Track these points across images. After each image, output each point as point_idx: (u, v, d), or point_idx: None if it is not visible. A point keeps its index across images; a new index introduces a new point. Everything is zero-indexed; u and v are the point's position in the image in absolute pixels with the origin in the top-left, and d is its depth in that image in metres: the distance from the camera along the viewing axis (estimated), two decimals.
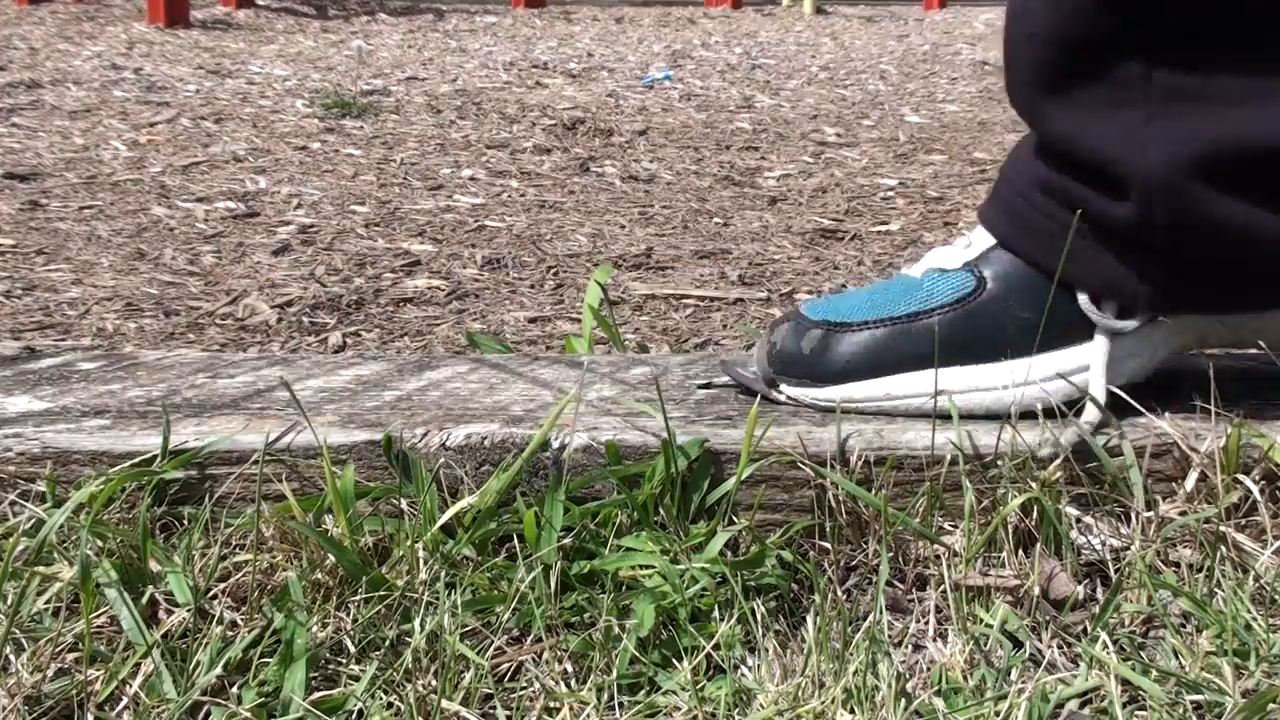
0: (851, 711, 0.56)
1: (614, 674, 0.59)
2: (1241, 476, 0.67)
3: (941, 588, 0.65)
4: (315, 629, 0.61)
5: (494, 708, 0.58)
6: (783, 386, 0.76)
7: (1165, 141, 0.70)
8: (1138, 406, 0.71)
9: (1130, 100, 0.71)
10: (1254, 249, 0.71)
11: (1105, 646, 0.60)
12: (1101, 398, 0.71)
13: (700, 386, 0.81)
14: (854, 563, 0.69)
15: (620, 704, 0.58)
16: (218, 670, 0.58)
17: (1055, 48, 0.73)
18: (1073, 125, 0.73)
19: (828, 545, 0.68)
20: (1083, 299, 0.74)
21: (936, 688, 0.59)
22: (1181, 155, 0.69)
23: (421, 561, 0.64)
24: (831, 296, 0.80)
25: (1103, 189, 0.72)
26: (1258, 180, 0.69)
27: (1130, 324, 0.73)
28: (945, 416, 0.71)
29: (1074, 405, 0.71)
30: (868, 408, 0.74)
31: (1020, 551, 0.67)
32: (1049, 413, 0.70)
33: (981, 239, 0.77)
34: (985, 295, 0.75)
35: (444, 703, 0.57)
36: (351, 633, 0.61)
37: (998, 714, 0.56)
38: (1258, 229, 0.70)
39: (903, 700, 0.56)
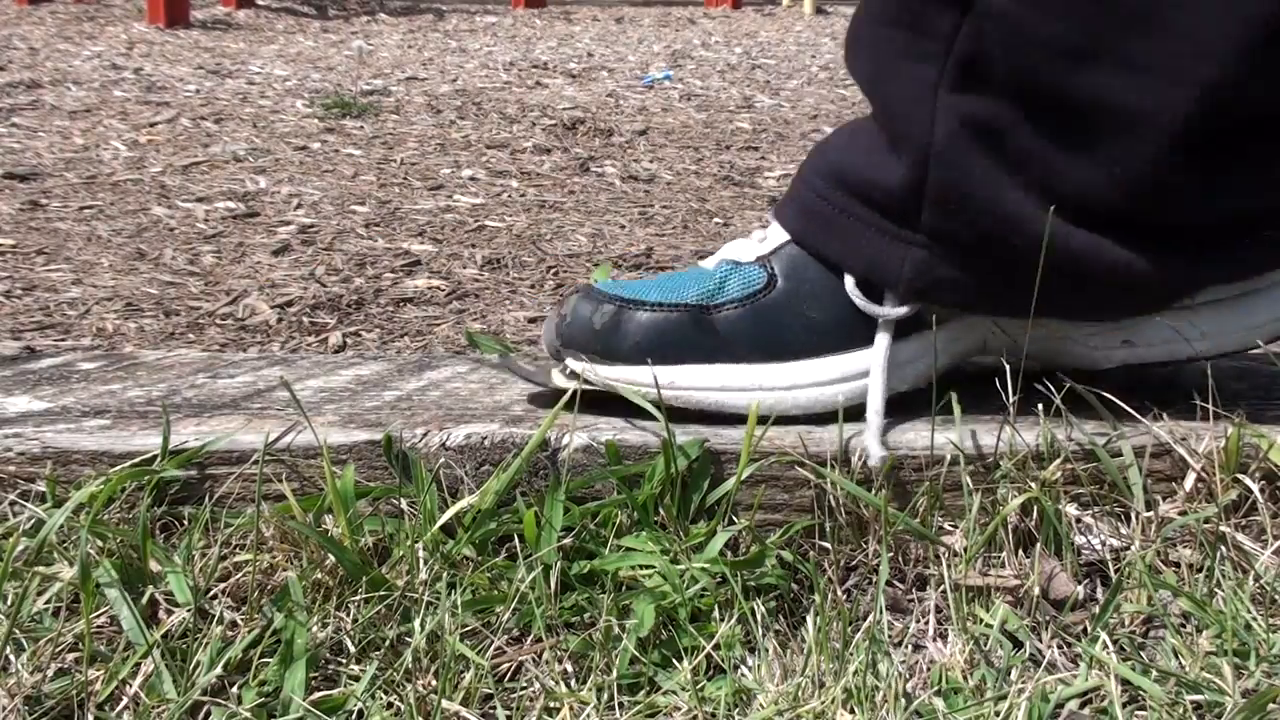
0: (851, 711, 0.56)
1: (614, 674, 0.59)
2: (1241, 476, 0.67)
3: (941, 588, 0.65)
4: (315, 629, 0.61)
5: (494, 708, 0.58)
6: (569, 360, 0.75)
7: (953, 110, 0.68)
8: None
9: (930, 54, 0.68)
10: (1022, 243, 0.68)
11: (1105, 646, 0.60)
12: (880, 399, 0.70)
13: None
14: (854, 563, 0.69)
15: (620, 704, 0.58)
16: (218, 670, 0.58)
17: None
18: (871, 73, 0.72)
19: (828, 545, 0.68)
20: (849, 282, 0.72)
21: (936, 688, 0.59)
22: (966, 128, 0.67)
23: (421, 561, 0.64)
24: (625, 280, 0.78)
25: (880, 153, 0.70)
26: (1034, 172, 0.67)
27: (897, 311, 0.72)
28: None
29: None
30: (650, 394, 0.72)
31: (1020, 551, 0.67)
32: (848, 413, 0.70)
33: (776, 234, 0.76)
34: (775, 293, 0.73)
35: (444, 703, 0.57)
36: (351, 633, 0.61)
37: (998, 714, 0.56)
38: (1031, 223, 0.67)
39: (903, 700, 0.56)
